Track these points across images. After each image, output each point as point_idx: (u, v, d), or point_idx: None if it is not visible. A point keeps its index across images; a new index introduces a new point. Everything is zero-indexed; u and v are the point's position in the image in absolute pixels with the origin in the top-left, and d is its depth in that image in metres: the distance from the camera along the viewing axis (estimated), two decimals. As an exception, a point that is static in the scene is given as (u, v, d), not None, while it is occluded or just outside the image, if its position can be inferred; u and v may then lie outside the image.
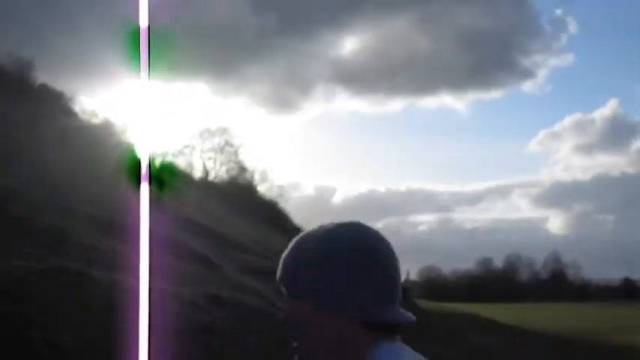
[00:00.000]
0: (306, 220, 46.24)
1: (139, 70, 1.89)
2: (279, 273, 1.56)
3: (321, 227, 1.57)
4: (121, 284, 12.04)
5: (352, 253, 1.49)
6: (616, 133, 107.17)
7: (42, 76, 33.81)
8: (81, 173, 22.01)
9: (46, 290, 11.60)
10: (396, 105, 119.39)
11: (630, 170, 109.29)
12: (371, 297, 1.48)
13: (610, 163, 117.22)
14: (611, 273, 78.40)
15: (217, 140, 49.84)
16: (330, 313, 1.48)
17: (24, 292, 11.18)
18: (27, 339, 10.11)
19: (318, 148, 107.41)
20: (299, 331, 1.53)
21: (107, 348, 10.19)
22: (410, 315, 1.52)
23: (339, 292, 1.47)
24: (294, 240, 1.58)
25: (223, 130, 50.49)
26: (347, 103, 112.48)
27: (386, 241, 1.56)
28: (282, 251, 1.61)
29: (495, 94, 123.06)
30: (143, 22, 1.90)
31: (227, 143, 49.86)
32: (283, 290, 1.56)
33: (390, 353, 1.48)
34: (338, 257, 1.49)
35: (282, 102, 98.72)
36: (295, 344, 1.54)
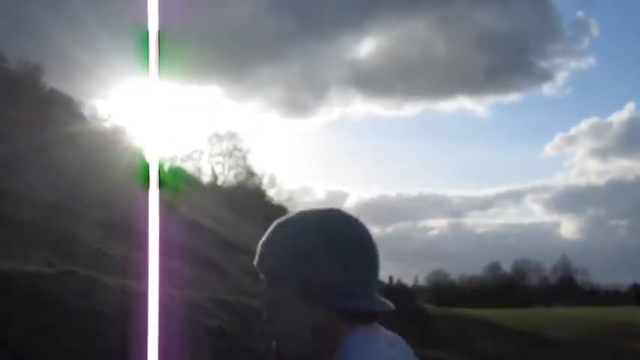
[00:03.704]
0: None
1: (149, 75, 1.89)
2: (258, 258, 1.54)
3: (302, 213, 1.57)
4: (129, 288, 12.07)
5: (337, 243, 1.48)
6: (633, 138, 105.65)
7: (51, 81, 33.96)
8: (90, 178, 22.07)
9: (54, 294, 11.63)
10: (412, 109, 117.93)
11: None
12: (353, 286, 1.47)
13: (626, 167, 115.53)
14: (620, 278, 77.82)
15: (226, 145, 49.93)
16: (310, 300, 1.47)
17: (32, 295, 11.21)
18: (34, 343, 10.13)
19: (332, 152, 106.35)
20: (276, 317, 1.52)
21: (116, 352, 10.21)
22: (388, 304, 1.51)
23: (322, 281, 1.46)
24: (275, 225, 1.56)
25: (232, 135, 50.59)
26: (362, 107, 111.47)
27: (366, 228, 1.54)
28: None
29: (514, 97, 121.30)
30: (153, 25, 1.90)
31: (235, 148, 49.95)
32: (262, 276, 1.54)
33: (365, 340, 1.47)
34: (323, 246, 1.48)
35: (297, 105, 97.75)
36: (270, 331, 1.54)
